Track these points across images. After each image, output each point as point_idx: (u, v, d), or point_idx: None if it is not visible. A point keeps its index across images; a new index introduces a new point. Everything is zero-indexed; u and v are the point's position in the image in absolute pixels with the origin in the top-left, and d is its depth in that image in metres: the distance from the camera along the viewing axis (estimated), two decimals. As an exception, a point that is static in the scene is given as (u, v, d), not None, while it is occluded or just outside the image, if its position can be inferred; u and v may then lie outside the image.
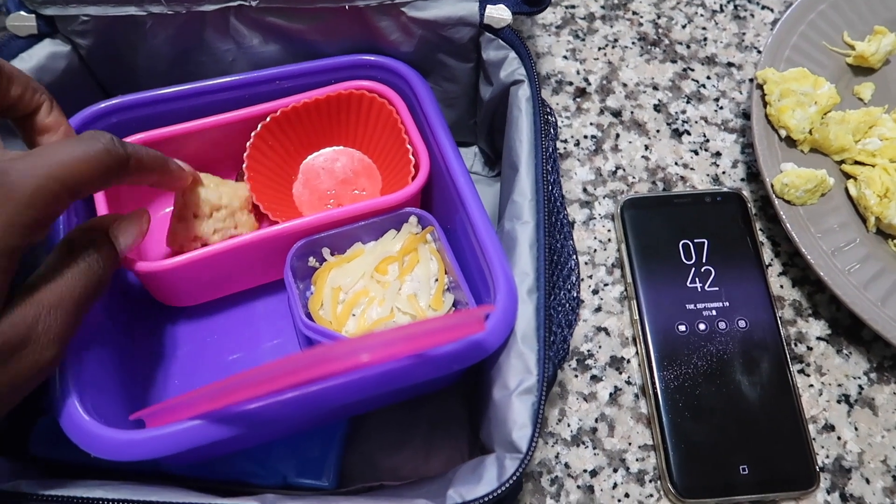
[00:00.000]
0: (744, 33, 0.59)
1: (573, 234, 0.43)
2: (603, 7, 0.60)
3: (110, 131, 0.31)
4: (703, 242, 0.49)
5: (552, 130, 0.40)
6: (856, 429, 0.45)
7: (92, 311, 0.36)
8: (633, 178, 0.53)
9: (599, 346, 0.48)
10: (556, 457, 0.44)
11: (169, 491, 0.31)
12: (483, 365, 0.36)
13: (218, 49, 0.44)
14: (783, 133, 0.50)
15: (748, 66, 0.58)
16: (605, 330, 0.48)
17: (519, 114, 0.40)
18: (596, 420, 0.45)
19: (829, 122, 0.49)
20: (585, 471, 0.44)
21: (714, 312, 0.47)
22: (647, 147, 0.54)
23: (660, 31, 0.59)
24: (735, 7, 0.61)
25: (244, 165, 0.42)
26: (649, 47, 0.59)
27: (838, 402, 0.46)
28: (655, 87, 0.57)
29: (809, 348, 0.48)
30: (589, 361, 0.47)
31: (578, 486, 0.43)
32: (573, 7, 0.60)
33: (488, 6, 0.41)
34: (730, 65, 0.58)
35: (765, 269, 0.48)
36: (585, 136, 0.55)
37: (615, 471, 0.44)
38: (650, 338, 0.46)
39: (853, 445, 0.45)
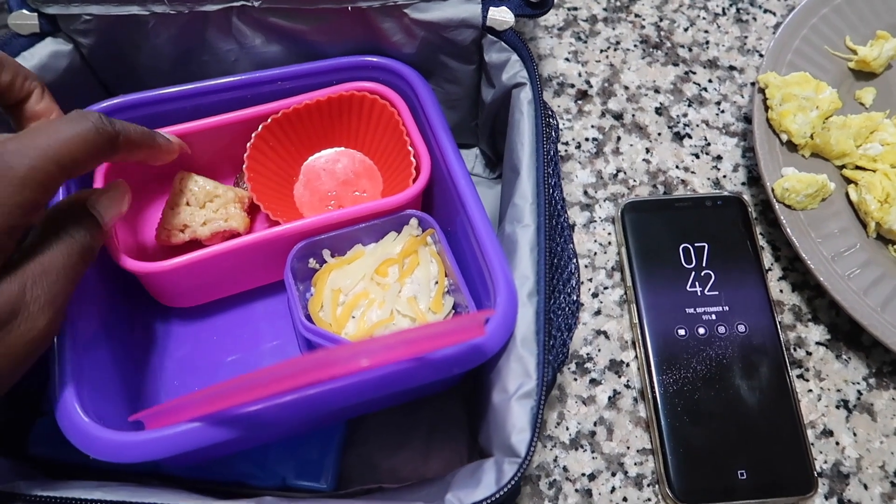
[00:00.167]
0: (746, 37, 0.59)
1: (573, 237, 0.43)
2: (605, 9, 0.60)
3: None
4: (704, 246, 0.49)
5: (553, 133, 0.40)
6: (854, 434, 0.45)
7: (91, 313, 0.36)
8: (634, 181, 0.53)
9: (599, 350, 0.48)
10: (555, 460, 0.44)
11: (167, 493, 0.32)
12: (482, 368, 0.36)
13: (220, 49, 0.44)
14: (784, 137, 0.50)
15: (750, 70, 0.58)
16: (605, 333, 0.48)
17: (521, 117, 0.40)
18: (595, 424, 0.45)
19: (831, 126, 0.49)
20: (584, 475, 0.44)
21: (714, 316, 0.47)
22: (648, 150, 0.54)
23: (662, 33, 0.59)
24: (737, 10, 0.61)
25: (244, 166, 0.42)
26: (651, 50, 0.59)
27: (837, 407, 0.46)
28: (657, 90, 0.57)
29: (809, 353, 0.48)
30: (588, 365, 0.47)
31: (577, 490, 0.43)
32: (575, 9, 0.60)
33: (491, 8, 0.41)
34: (731, 68, 0.58)
35: (765, 274, 0.48)
36: (587, 139, 0.55)
37: (613, 475, 0.44)
38: (650, 341, 0.46)
39: (851, 451, 0.45)
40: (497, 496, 0.31)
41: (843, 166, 0.50)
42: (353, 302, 0.40)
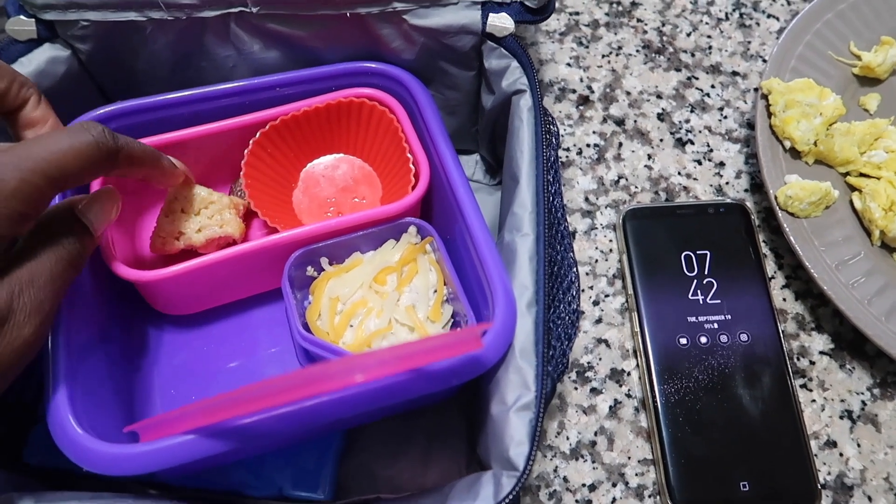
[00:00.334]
0: (749, 42, 0.59)
1: (574, 245, 0.43)
2: (607, 14, 0.60)
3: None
4: (706, 254, 0.49)
5: (554, 140, 0.40)
6: (858, 445, 0.45)
7: (86, 320, 0.36)
8: (636, 187, 0.53)
9: (599, 358, 0.47)
10: (555, 470, 0.44)
11: (162, 505, 0.31)
12: (481, 379, 0.36)
13: (218, 55, 0.44)
14: (788, 144, 0.49)
15: (753, 76, 0.57)
16: (606, 342, 0.48)
17: (520, 124, 0.40)
18: (595, 433, 0.45)
19: (835, 133, 0.49)
20: (584, 485, 0.43)
21: (716, 325, 0.46)
22: (650, 156, 0.54)
23: (664, 38, 0.59)
24: (741, 15, 0.60)
25: (242, 173, 0.42)
26: (653, 55, 0.58)
27: (841, 417, 0.45)
28: (659, 96, 0.56)
29: (812, 363, 0.47)
30: (589, 374, 0.47)
31: (577, 501, 0.43)
32: (577, 14, 0.60)
33: (490, 15, 0.41)
34: (734, 74, 0.57)
35: (767, 282, 0.48)
36: (588, 145, 0.54)
37: (614, 485, 0.43)
38: (651, 350, 0.46)
39: (855, 462, 0.44)
40: (495, 510, 0.30)
41: (847, 173, 0.50)
42: (351, 310, 0.40)
